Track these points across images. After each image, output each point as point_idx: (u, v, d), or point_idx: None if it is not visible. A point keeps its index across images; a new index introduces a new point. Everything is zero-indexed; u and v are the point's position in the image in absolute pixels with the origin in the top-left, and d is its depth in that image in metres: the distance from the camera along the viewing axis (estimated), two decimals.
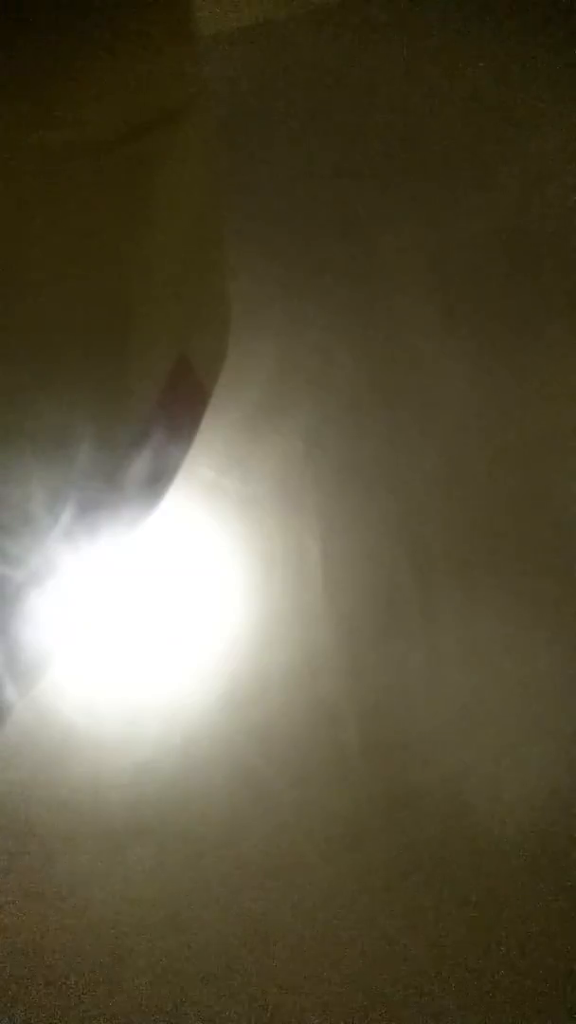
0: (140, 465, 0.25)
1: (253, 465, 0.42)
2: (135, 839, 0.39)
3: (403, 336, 0.44)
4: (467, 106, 0.46)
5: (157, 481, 0.27)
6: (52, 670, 0.27)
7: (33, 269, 0.21)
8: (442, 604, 0.41)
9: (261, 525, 0.42)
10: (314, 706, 0.40)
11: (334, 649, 0.41)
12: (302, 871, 0.39)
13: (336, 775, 0.40)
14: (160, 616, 0.41)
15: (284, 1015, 0.38)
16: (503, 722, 0.40)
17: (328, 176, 0.45)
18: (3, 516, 0.22)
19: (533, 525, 0.42)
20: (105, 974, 0.38)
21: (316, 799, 0.39)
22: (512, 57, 0.46)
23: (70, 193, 0.22)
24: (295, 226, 0.45)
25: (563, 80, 0.45)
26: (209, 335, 0.29)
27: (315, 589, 0.41)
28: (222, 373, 0.30)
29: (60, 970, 0.38)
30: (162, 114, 0.24)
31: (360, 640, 0.41)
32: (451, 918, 0.38)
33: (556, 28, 0.45)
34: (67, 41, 0.21)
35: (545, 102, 0.45)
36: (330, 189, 0.45)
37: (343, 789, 0.39)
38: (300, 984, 0.38)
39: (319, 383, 0.43)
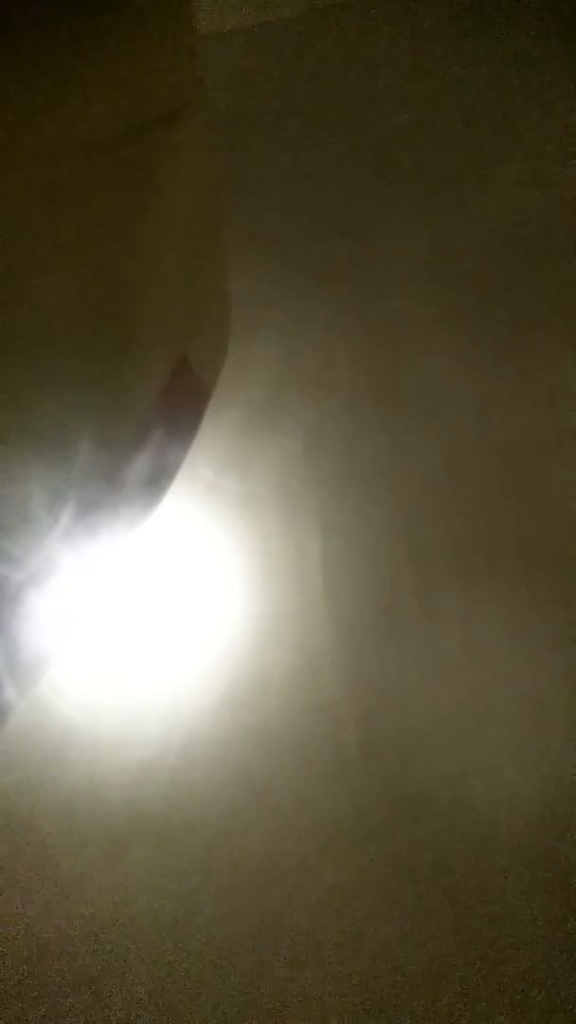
0: (140, 465, 0.25)
1: (253, 465, 0.42)
2: (135, 839, 0.39)
3: (403, 336, 0.44)
4: (467, 106, 0.46)
5: (157, 481, 0.27)
6: (52, 670, 0.27)
7: (32, 269, 0.21)
8: (442, 604, 0.41)
9: (261, 525, 0.42)
10: (314, 706, 0.40)
11: (334, 649, 0.41)
12: (302, 871, 0.39)
13: (336, 775, 0.40)
14: (160, 616, 0.41)
15: (285, 1015, 0.38)
16: (504, 722, 0.40)
17: (328, 176, 0.45)
18: (3, 516, 0.22)
19: (533, 525, 0.42)
20: (104, 974, 0.38)
21: (316, 799, 0.39)
22: (512, 57, 0.46)
23: (69, 192, 0.22)
24: (295, 226, 0.45)
25: (563, 81, 0.45)
26: (209, 335, 0.29)
27: (315, 589, 0.41)
28: (222, 373, 0.30)
29: (59, 970, 0.38)
30: (162, 114, 0.24)
31: (360, 640, 0.41)
32: (451, 917, 0.38)
33: (556, 28, 0.45)
34: (67, 41, 0.21)
35: (545, 103, 0.45)
36: (330, 189, 0.45)
37: (343, 789, 0.39)
38: (301, 984, 0.38)
39: (319, 383, 0.43)
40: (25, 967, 0.38)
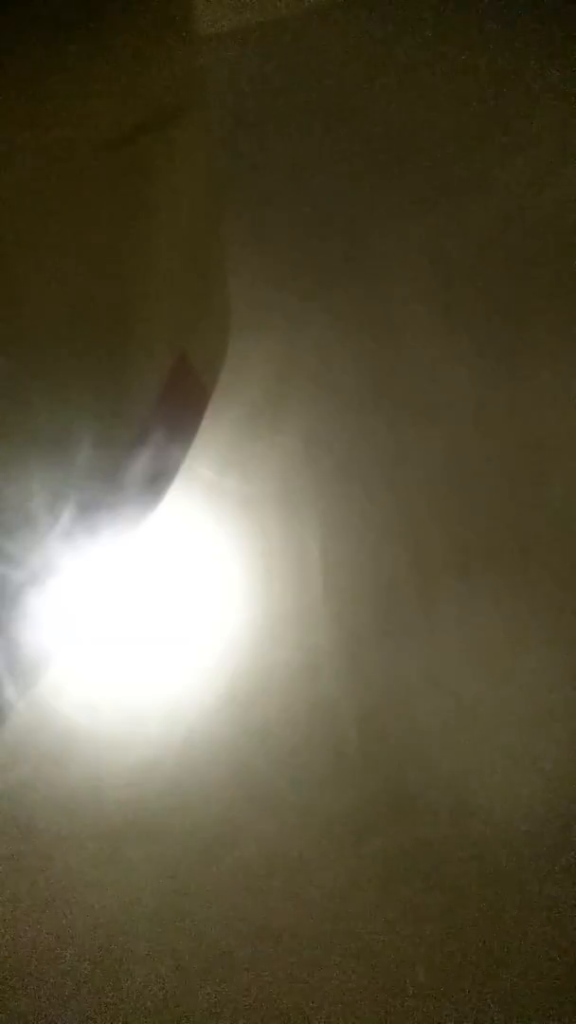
0: (140, 465, 0.25)
1: (253, 465, 0.42)
2: (135, 839, 0.39)
3: (403, 336, 0.44)
4: (467, 106, 0.46)
5: (157, 481, 0.27)
6: (52, 670, 0.27)
7: (32, 269, 0.21)
8: (442, 604, 0.41)
9: (261, 525, 0.42)
10: (314, 706, 0.40)
11: (334, 649, 0.41)
12: (302, 871, 0.39)
13: (336, 775, 0.40)
14: (160, 616, 0.41)
15: (284, 1016, 0.38)
16: (504, 722, 0.40)
17: (328, 176, 0.45)
18: (3, 516, 0.22)
19: (533, 525, 0.42)
20: (105, 974, 0.38)
21: (316, 799, 0.39)
22: (512, 57, 0.46)
23: (70, 193, 0.22)
24: (295, 226, 0.45)
25: (563, 81, 0.45)
26: (209, 335, 0.29)
27: (315, 589, 0.41)
28: (222, 373, 0.30)
29: (59, 970, 0.38)
30: (162, 114, 0.24)
31: (360, 640, 0.41)
32: (452, 917, 0.38)
33: (556, 28, 0.45)
34: (67, 40, 0.21)
35: (545, 103, 0.45)
36: (330, 189, 0.45)
37: (343, 789, 0.39)
38: (300, 984, 0.38)
39: (319, 383, 0.43)
40: (25, 967, 0.38)
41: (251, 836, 0.39)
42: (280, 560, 0.41)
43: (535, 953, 0.38)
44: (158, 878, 0.39)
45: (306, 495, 0.42)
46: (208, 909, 0.39)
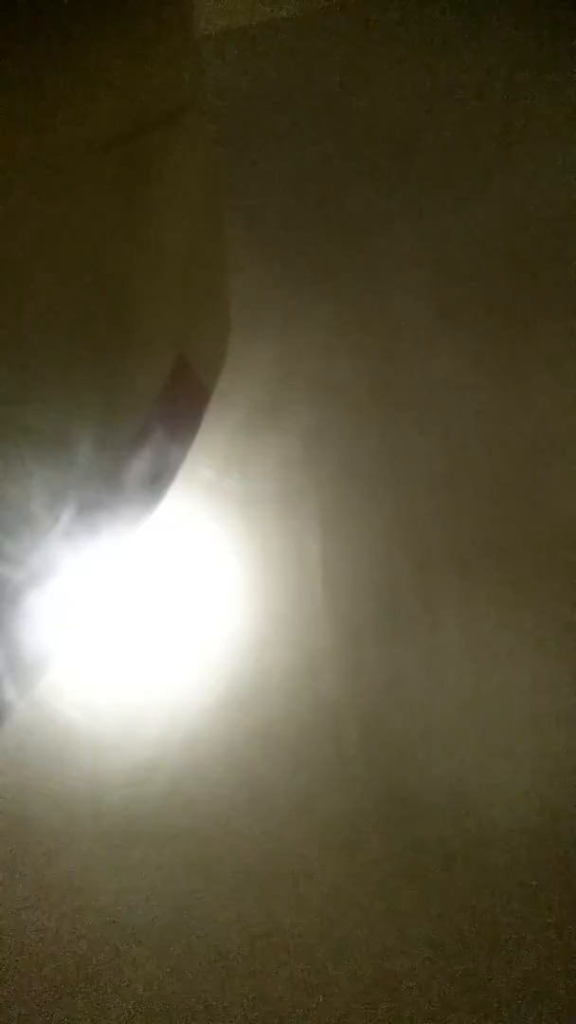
0: (140, 465, 0.25)
1: (253, 465, 0.42)
2: (135, 839, 0.39)
3: (403, 336, 0.44)
4: (467, 106, 0.46)
5: (157, 481, 0.27)
6: (52, 670, 0.27)
7: (32, 269, 0.21)
8: (442, 604, 0.41)
9: (261, 525, 0.42)
10: (314, 706, 0.40)
11: (334, 649, 0.41)
12: (302, 871, 0.39)
13: (336, 775, 0.40)
14: (160, 616, 0.41)
15: (285, 1016, 0.38)
16: (504, 722, 0.40)
17: (328, 176, 0.45)
18: (3, 516, 0.22)
19: (534, 525, 0.42)
20: (105, 975, 0.38)
21: (316, 799, 0.39)
22: (513, 58, 0.46)
23: (69, 193, 0.22)
24: (295, 226, 0.45)
25: (563, 81, 0.45)
26: (209, 335, 0.29)
27: (315, 589, 0.41)
28: (222, 373, 0.30)
29: (59, 971, 0.38)
30: (162, 114, 0.24)
31: (360, 640, 0.41)
32: (452, 918, 0.38)
33: (557, 29, 0.45)
34: (67, 40, 0.21)
35: (545, 103, 0.45)
36: (330, 189, 0.45)
37: (343, 789, 0.39)
38: (301, 984, 0.38)
39: (319, 383, 0.43)
40: (25, 967, 0.38)
41: (251, 836, 0.39)
42: (280, 560, 0.41)
43: (536, 954, 0.38)
44: (158, 878, 0.39)
45: (306, 495, 0.42)
46: (208, 909, 0.39)
